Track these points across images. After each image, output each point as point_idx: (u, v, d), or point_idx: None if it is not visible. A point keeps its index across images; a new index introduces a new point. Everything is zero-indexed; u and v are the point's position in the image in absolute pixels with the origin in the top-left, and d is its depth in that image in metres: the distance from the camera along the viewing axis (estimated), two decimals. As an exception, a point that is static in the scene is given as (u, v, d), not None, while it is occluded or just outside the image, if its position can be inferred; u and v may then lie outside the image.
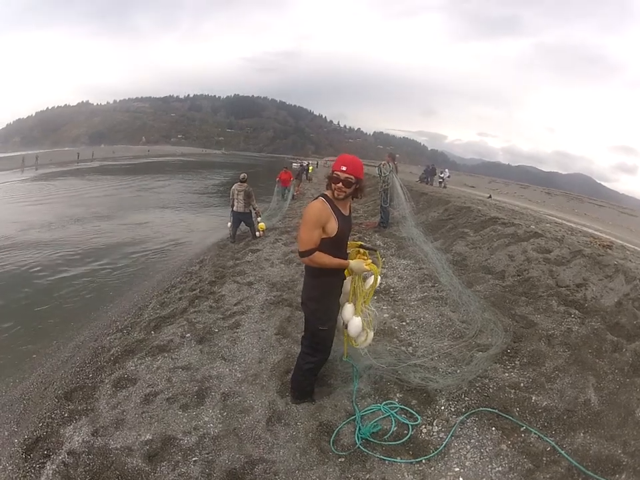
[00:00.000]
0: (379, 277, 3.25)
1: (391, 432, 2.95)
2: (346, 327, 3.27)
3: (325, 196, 2.86)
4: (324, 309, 3.03)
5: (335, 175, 2.80)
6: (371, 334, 3.31)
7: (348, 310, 3.20)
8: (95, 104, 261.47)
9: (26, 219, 13.39)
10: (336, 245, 2.89)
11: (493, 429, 2.91)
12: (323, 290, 2.99)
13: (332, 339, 3.19)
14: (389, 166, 9.68)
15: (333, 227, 2.81)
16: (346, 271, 3.08)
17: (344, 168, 2.76)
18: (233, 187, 9.87)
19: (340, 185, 2.78)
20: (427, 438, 2.91)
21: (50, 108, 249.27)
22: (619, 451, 2.56)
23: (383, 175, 9.72)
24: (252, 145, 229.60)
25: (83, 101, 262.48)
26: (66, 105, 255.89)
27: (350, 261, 2.99)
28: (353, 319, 3.18)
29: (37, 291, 7.30)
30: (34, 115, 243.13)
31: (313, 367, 3.22)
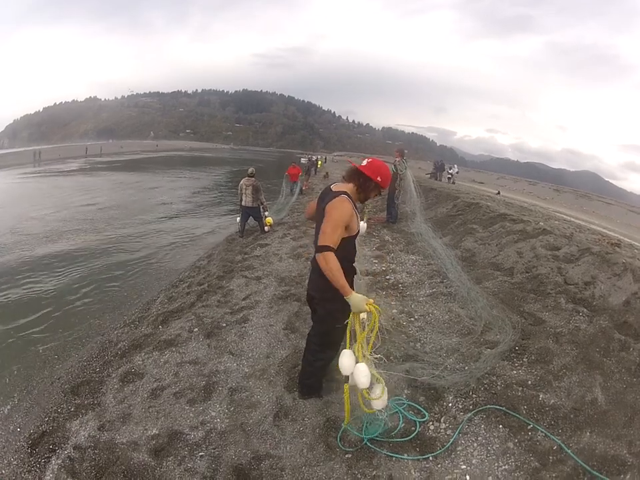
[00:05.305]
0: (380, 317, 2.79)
1: (398, 428, 2.94)
2: (347, 379, 2.76)
3: (347, 194, 2.81)
4: (341, 307, 2.84)
5: (381, 189, 2.98)
6: (386, 388, 2.75)
7: (347, 356, 2.72)
8: (102, 99, 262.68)
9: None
10: (353, 241, 2.91)
11: (500, 426, 2.89)
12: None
13: (345, 334, 3.13)
14: (404, 162, 9.66)
15: (355, 225, 2.82)
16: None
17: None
18: (241, 182, 9.88)
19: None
20: (434, 435, 2.90)
21: (57, 104, 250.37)
22: (625, 451, 2.54)
23: (400, 172, 9.62)
24: (261, 140, 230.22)
25: (90, 97, 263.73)
26: (74, 100, 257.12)
27: (352, 292, 2.65)
28: (357, 367, 2.66)
29: (44, 279, 7.35)
30: (41, 110, 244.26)
31: (324, 364, 3.22)
